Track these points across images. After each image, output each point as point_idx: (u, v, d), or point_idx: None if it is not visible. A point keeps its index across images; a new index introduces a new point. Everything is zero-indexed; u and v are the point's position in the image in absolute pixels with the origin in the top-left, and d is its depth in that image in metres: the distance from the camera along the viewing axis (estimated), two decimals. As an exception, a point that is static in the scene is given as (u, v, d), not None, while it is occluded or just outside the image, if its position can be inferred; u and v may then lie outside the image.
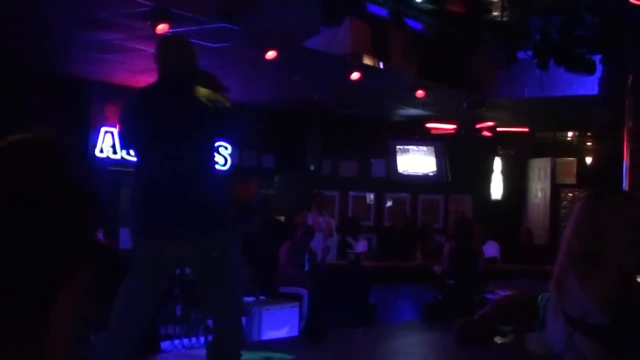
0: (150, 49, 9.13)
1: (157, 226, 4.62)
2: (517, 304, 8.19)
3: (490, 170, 16.86)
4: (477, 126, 14.82)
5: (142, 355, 5.81)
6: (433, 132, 15.77)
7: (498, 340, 7.30)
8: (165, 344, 8.75)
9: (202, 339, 9.09)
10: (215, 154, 5.01)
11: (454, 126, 15.46)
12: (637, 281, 3.76)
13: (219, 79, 5.08)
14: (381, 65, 11.03)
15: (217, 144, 5.06)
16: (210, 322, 9.02)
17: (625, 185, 8.90)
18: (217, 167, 5.13)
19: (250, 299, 9.92)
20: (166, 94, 4.92)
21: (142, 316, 4.71)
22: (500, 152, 16.81)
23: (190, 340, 9.14)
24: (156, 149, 4.74)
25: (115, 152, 11.83)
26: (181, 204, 4.60)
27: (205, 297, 4.80)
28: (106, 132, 11.79)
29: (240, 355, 4.81)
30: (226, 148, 13.34)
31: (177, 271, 9.24)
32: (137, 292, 4.65)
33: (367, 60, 10.82)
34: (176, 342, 8.90)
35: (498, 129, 15.44)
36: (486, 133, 15.66)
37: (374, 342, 7.53)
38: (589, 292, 3.44)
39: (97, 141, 11.70)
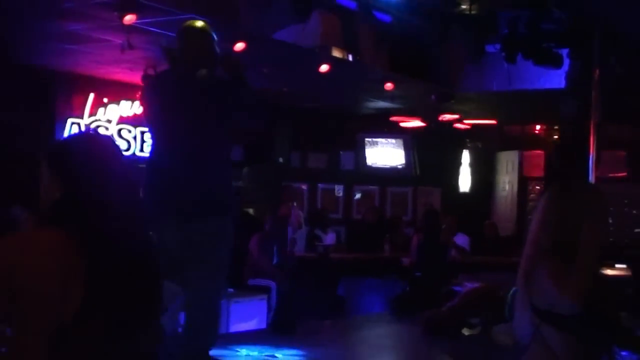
0: (118, 39, 9.10)
1: (168, 209, 4.87)
2: (484, 296, 8.26)
3: (458, 163, 16.93)
4: (440, 118, 14.85)
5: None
6: (402, 126, 15.79)
7: (466, 332, 7.35)
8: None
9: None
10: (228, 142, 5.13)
11: (423, 124, 15.48)
12: (602, 273, 3.80)
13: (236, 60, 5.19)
14: (350, 58, 11.02)
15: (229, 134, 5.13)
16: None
17: (592, 177, 8.96)
18: (226, 156, 5.13)
19: (218, 291, 9.90)
20: (176, 81, 5.05)
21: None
22: (469, 145, 16.88)
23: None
24: (161, 135, 5.01)
25: (82, 144, 11.74)
26: (178, 190, 4.85)
27: (185, 281, 4.81)
28: (73, 123, 11.67)
29: (208, 348, 4.88)
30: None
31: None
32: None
33: (337, 53, 10.80)
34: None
35: (466, 122, 15.49)
36: (459, 126, 15.68)
37: (342, 334, 7.55)
38: (560, 286, 3.46)
39: (63, 133, 11.59)
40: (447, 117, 14.85)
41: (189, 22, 5.40)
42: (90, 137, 2.79)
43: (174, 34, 8.64)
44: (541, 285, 3.50)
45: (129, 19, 7.89)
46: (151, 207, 4.74)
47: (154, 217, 4.44)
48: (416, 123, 15.52)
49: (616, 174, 16.95)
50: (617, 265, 9.50)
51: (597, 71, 8.97)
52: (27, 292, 2.17)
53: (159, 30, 8.72)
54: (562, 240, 3.54)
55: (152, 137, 5.20)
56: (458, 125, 15.65)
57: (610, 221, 16.42)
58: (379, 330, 7.76)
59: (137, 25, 8.38)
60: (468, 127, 15.87)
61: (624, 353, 3.73)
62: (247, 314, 9.77)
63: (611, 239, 15.89)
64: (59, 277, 2.20)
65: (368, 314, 10.58)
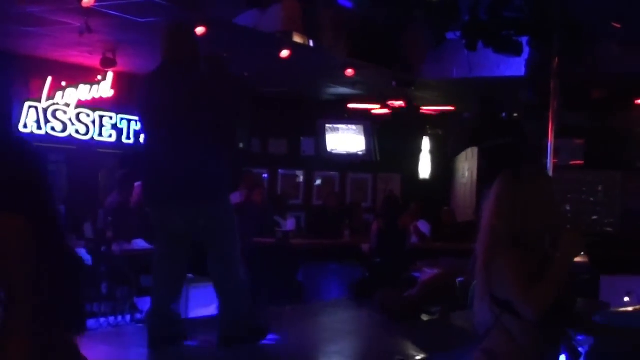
0: (76, 22, 9.01)
1: (157, 197, 5.42)
2: (442, 285, 8.35)
3: (418, 150, 16.98)
4: (389, 103, 14.86)
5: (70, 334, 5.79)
6: (364, 111, 15.81)
7: (424, 318, 7.39)
8: (90, 322, 8.66)
9: (128, 317, 9.01)
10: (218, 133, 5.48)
11: (386, 110, 15.48)
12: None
13: (223, 60, 6.02)
14: (311, 44, 11.00)
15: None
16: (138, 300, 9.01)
17: (550, 165, 9.03)
18: (218, 143, 5.52)
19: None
20: (165, 77, 5.46)
21: (173, 275, 5.53)
22: (429, 132, 16.93)
23: (116, 318, 9.05)
24: (154, 128, 5.41)
25: (39, 128, 11.59)
26: (173, 178, 5.31)
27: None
28: (30, 106, 11.54)
29: (245, 311, 5.46)
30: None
31: (103, 249, 9.18)
32: (161, 256, 5.52)
33: (298, 39, 10.78)
34: (102, 320, 8.82)
35: (425, 109, 15.52)
36: (425, 110, 15.69)
37: (302, 320, 7.56)
38: (511, 274, 3.48)
39: (20, 116, 11.44)
40: (397, 103, 14.85)
41: (172, 23, 5.88)
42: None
43: (133, 17, 8.64)
44: (499, 274, 3.52)
45: (88, 1, 7.82)
46: (148, 193, 5.51)
47: (154, 202, 5.48)
48: (380, 110, 15.54)
49: (574, 162, 17.11)
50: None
51: (556, 59, 9.02)
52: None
53: (118, 14, 8.64)
54: (517, 228, 3.56)
55: (144, 130, 5.67)
56: (421, 111, 15.68)
57: (568, 208, 16.64)
58: (339, 315, 7.77)
59: (96, 8, 8.30)
60: (429, 113, 15.91)
61: (579, 337, 3.77)
62: (206, 300, 9.75)
63: (568, 226, 16.07)
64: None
65: (328, 299, 10.60)
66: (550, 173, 8.93)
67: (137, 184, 10.98)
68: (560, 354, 3.70)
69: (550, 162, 9.02)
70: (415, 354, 6.14)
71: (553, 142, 9.23)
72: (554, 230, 3.67)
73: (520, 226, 3.55)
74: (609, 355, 5.97)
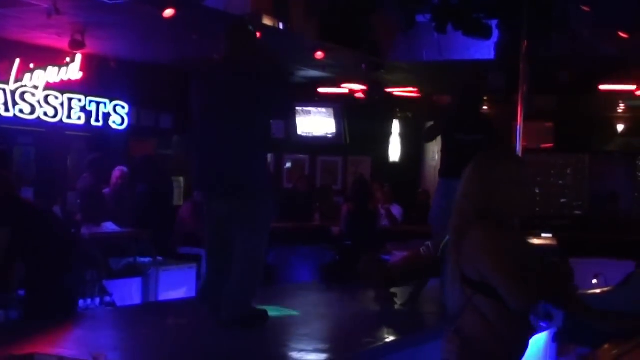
0: (44, 3, 8.92)
1: (205, 185, 5.87)
2: (413, 264, 8.41)
3: (388, 133, 17.01)
4: (350, 88, 14.87)
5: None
6: (334, 95, 15.80)
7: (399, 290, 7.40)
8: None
9: (97, 300, 8.97)
10: (264, 131, 5.72)
11: (359, 93, 15.44)
12: (527, 240, 3.86)
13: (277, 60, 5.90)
14: (281, 26, 10.96)
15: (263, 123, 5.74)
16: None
17: (519, 148, 9.07)
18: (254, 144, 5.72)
19: (147, 259, 9.83)
20: (223, 72, 5.69)
21: (221, 254, 5.74)
22: (399, 115, 16.96)
23: (85, 301, 9.00)
24: (207, 119, 5.64)
25: (7, 110, 11.47)
26: (219, 169, 5.62)
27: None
28: (-3, 88, 11.45)
29: (249, 299, 5.74)
30: (123, 107, 13.13)
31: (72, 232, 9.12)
32: (211, 238, 5.83)
33: (267, 21, 10.73)
34: (71, 303, 8.77)
35: (395, 92, 15.53)
36: (395, 93, 15.69)
37: (272, 302, 7.55)
38: (487, 254, 3.51)
39: (-13, 98, 11.35)
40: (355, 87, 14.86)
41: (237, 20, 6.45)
42: None
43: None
44: (471, 256, 3.54)
45: (56, -18, 7.73)
46: (198, 180, 5.95)
47: (203, 189, 5.96)
48: (350, 93, 15.53)
49: (543, 145, 17.22)
50: (543, 235, 9.65)
51: (525, 42, 9.04)
52: None
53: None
54: (486, 209, 3.59)
55: (196, 119, 5.77)
56: (390, 94, 15.68)
57: (537, 191, 16.76)
58: (309, 298, 7.76)
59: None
60: (399, 96, 15.92)
61: (542, 324, 3.81)
62: (177, 282, 9.75)
63: (537, 209, 16.18)
64: None
65: (298, 282, 10.60)
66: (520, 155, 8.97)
67: (117, 168, 10.95)
68: (532, 333, 3.74)
69: (519, 145, 9.06)
70: (386, 336, 6.17)
71: (522, 125, 9.26)
72: (524, 213, 3.71)
73: (490, 206, 3.58)
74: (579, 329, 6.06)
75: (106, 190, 11.03)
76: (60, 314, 6.06)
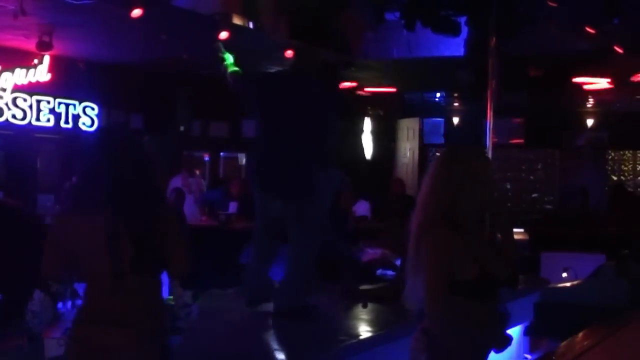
0: (10, 5, 8.84)
1: (260, 186, 6.24)
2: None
3: (360, 131, 17.02)
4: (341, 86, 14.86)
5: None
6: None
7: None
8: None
9: (69, 304, 8.89)
10: (317, 136, 6.16)
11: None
12: (495, 236, 3.86)
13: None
14: (251, 26, 10.93)
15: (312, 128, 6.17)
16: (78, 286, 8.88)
17: (488, 144, 9.09)
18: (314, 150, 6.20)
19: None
20: (288, 84, 6.20)
21: (267, 248, 6.35)
22: (370, 113, 16.99)
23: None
24: (269, 126, 6.15)
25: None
26: (276, 172, 6.10)
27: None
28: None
29: (301, 293, 6.25)
30: (93, 109, 13.05)
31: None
32: (259, 232, 6.32)
33: (237, 21, 10.71)
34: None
35: (366, 90, 15.55)
36: (361, 93, 15.71)
37: (237, 306, 7.53)
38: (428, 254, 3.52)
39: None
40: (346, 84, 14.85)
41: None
42: None
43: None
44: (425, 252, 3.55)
45: (21, -18, 7.66)
46: (254, 181, 6.32)
47: (259, 188, 6.26)
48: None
49: (514, 141, 17.33)
50: (514, 230, 9.69)
51: (494, 39, 9.06)
52: None
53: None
54: (450, 207, 3.59)
55: (259, 124, 6.27)
56: (359, 92, 15.70)
57: (508, 187, 16.85)
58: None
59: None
60: (370, 94, 15.94)
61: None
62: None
63: (509, 204, 16.27)
64: None
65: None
66: (490, 153, 8.99)
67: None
68: (497, 328, 3.74)
69: (489, 141, 9.07)
70: (357, 334, 6.16)
71: (492, 122, 9.28)
72: (489, 211, 3.72)
73: (453, 205, 3.59)
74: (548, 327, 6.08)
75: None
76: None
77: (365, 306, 7.06)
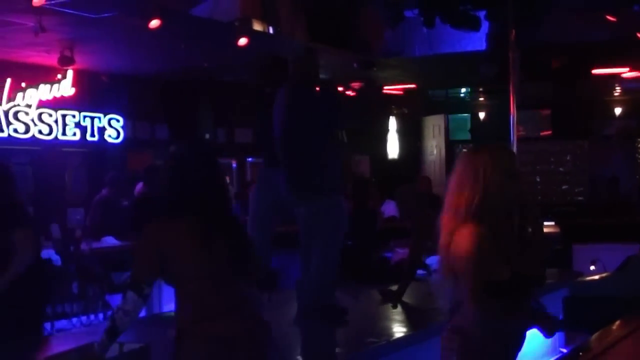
0: (30, 22, 8.90)
1: (291, 191, 6.45)
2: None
3: (385, 130, 16.97)
4: (352, 85, 14.83)
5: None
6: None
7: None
8: (61, 323, 8.60)
9: (100, 316, 8.95)
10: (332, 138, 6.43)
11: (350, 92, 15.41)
12: (525, 229, 3.80)
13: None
14: (271, 31, 10.92)
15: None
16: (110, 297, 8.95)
17: (513, 138, 9.04)
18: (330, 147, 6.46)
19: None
20: (298, 95, 6.46)
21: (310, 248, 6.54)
22: (395, 112, 16.93)
23: (88, 317, 9.00)
24: (288, 134, 6.38)
25: (1, 130, 11.44)
26: (300, 178, 6.38)
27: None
28: (-12, 109, 11.42)
29: (328, 294, 6.45)
30: (118, 121, 13.11)
31: (72, 248, 9.12)
32: (300, 236, 6.61)
33: (257, 26, 10.71)
34: (74, 320, 8.76)
35: (388, 88, 15.49)
36: (388, 90, 15.64)
37: (278, 307, 7.53)
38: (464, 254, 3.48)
39: (-19, 120, 11.33)
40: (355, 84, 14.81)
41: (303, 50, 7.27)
42: None
43: (87, 14, 8.55)
44: (457, 253, 3.51)
45: (38, 0, 7.69)
46: (284, 185, 6.51)
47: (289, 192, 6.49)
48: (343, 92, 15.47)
49: (543, 133, 17.20)
50: (545, 223, 9.62)
51: (513, 32, 9.01)
52: None
53: (71, 11, 8.55)
54: (479, 204, 3.55)
55: (278, 134, 6.48)
56: (383, 92, 15.65)
57: (538, 179, 16.71)
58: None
59: (48, 6, 8.19)
60: (399, 92, 15.86)
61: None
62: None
63: (539, 197, 16.15)
64: None
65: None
66: (514, 146, 8.93)
67: (139, 183, 10.85)
68: (529, 327, 3.71)
69: (513, 134, 9.02)
70: (389, 334, 6.15)
71: (516, 114, 9.22)
72: (518, 205, 3.66)
73: (482, 202, 3.54)
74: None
75: (126, 204, 10.94)
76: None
77: (395, 307, 7.06)
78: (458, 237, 3.52)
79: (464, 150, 3.75)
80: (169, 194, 3.81)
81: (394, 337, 5.93)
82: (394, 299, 7.08)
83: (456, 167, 3.70)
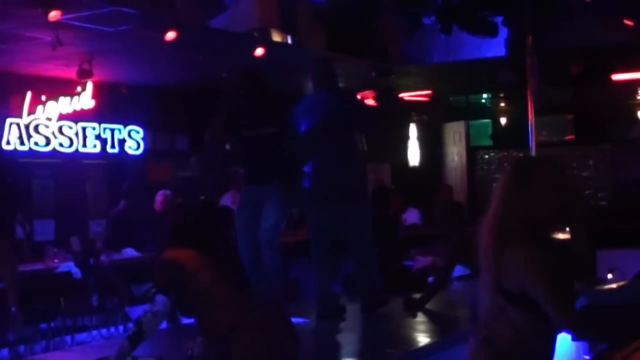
0: (47, 36, 8.95)
1: (315, 195, 6.77)
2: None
3: (406, 137, 16.93)
4: (359, 95, 14.79)
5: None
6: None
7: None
8: (82, 336, 8.62)
9: (120, 328, 8.96)
10: (356, 143, 6.97)
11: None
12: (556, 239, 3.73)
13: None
14: (290, 40, 10.92)
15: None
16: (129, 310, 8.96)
17: (532, 144, 9.00)
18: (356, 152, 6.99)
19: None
20: (321, 102, 6.87)
21: (332, 248, 7.00)
22: (415, 119, 16.88)
23: (108, 329, 9.02)
24: (314, 142, 6.71)
25: (22, 144, 11.52)
26: (326, 183, 6.71)
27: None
28: (12, 123, 11.46)
29: (378, 287, 7.11)
30: (138, 132, 13.16)
31: (92, 261, 9.14)
32: (318, 231, 6.92)
33: (276, 36, 10.70)
34: (94, 332, 8.79)
35: (406, 96, 15.44)
36: (407, 97, 15.59)
37: (298, 316, 7.52)
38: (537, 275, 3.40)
39: (2, 133, 11.38)
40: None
41: (320, 60, 7.49)
42: None
43: (103, 28, 8.59)
44: (513, 268, 3.40)
45: (54, 15, 7.74)
46: (311, 193, 6.82)
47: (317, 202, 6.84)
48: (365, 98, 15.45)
49: (566, 137, 17.10)
50: (568, 229, 9.53)
51: (530, 37, 8.97)
52: None
53: (88, 25, 8.59)
54: (530, 218, 3.46)
55: (305, 142, 6.80)
56: (403, 99, 15.61)
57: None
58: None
59: (65, 21, 8.23)
60: (419, 100, 15.80)
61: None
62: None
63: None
64: None
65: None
66: (533, 151, 8.91)
67: (159, 193, 10.86)
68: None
69: (532, 140, 8.99)
70: (411, 343, 6.12)
71: (535, 120, 9.19)
72: (569, 219, 3.57)
73: (532, 215, 3.46)
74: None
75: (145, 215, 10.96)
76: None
77: (414, 315, 7.02)
78: (517, 255, 3.44)
79: (514, 162, 3.67)
80: None
81: (414, 347, 5.90)
82: (417, 308, 7.06)
83: (501, 180, 3.62)
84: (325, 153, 6.73)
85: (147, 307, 4.21)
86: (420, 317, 6.95)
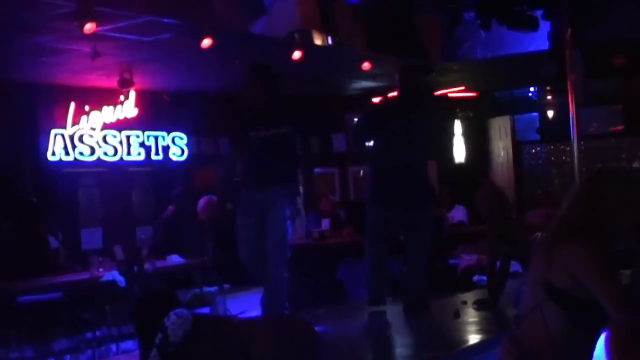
0: (85, 48, 9.03)
1: (382, 200, 7.21)
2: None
3: (451, 134, 16.79)
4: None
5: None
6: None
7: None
8: (127, 344, 8.66)
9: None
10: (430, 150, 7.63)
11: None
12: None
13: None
14: (330, 41, 10.89)
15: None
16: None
17: (573, 136, 8.88)
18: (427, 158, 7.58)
19: (213, 288, 9.86)
20: (402, 107, 7.34)
21: (383, 255, 7.46)
22: (460, 115, 16.73)
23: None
24: (389, 145, 7.18)
25: (67, 154, 11.65)
26: (396, 187, 7.06)
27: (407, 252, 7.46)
28: (56, 134, 11.60)
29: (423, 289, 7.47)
30: (181, 138, 13.23)
31: (136, 269, 9.18)
32: (374, 242, 7.41)
33: (317, 38, 10.67)
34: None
35: (454, 91, 15.33)
36: (451, 94, 15.49)
37: (342, 318, 7.53)
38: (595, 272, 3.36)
39: (48, 144, 11.51)
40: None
41: (405, 64, 7.91)
42: None
43: (140, 37, 8.63)
44: (563, 263, 3.38)
45: (89, 27, 7.79)
46: (375, 196, 7.28)
47: (380, 203, 7.27)
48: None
49: (613, 129, 16.84)
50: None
51: (569, 30, 8.84)
52: None
53: (124, 35, 8.65)
54: (587, 225, 3.43)
55: (378, 145, 7.36)
56: (447, 95, 15.50)
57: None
58: (378, 312, 7.65)
59: (101, 32, 8.29)
60: (463, 96, 15.68)
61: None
62: (244, 308, 9.75)
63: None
64: None
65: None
66: (575, 144, 8.81)
67: (202, 198, 10.90)
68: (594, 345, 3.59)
69: (573, 132, 8.87)
70: (457, 345, 6.08)
71: (577, 113, 9.06)
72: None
73: (591, 223, 3.44)
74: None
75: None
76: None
77: (457, 316, 6.97)
78: (573, 248, 3.40)
79: (591, 172, 3.67)
80: None
81: (456, 349, 5.86)
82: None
83: (575, 186, 3.69)
84: (398, 159, 7.14)
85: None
86: (464, 317, 6.91)
